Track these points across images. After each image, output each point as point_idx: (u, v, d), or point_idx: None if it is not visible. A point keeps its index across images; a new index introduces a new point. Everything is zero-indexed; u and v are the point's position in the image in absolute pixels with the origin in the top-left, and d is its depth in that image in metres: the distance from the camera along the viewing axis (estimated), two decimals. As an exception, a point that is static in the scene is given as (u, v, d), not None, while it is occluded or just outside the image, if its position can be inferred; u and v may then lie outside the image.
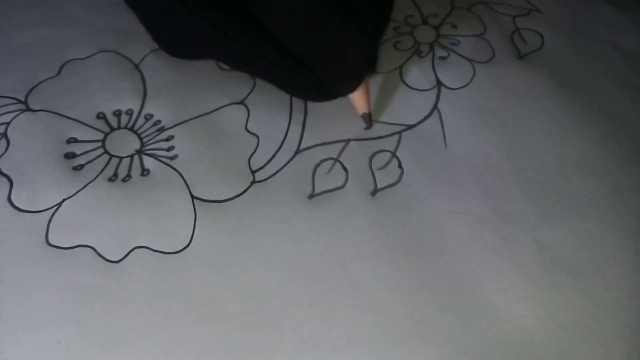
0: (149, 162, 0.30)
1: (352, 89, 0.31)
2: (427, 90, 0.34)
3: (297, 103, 0.33)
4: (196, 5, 0.28)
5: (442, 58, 0.35)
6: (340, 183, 0.30)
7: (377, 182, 0.30)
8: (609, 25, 0.37)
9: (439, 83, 0.34)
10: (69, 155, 0.30)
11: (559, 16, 0.37)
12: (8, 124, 0.31)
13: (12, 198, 0.29)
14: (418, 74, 0.35)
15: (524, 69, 0.35)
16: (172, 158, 0.31)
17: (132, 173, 0.30)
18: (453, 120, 0.33)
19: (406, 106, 0.34)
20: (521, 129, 0.33)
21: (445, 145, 0.32)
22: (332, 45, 0.28)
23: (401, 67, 0.35)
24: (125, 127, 0.32)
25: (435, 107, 0.34)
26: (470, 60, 0.35)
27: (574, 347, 0.26)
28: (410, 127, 0.33)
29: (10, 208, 0.28)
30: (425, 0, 0.39)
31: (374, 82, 0.34)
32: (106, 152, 0.31)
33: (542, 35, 0.36)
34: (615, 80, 0.34)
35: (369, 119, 0.32)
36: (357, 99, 0.31)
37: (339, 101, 0.33)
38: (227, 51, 0.32)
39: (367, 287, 0.27)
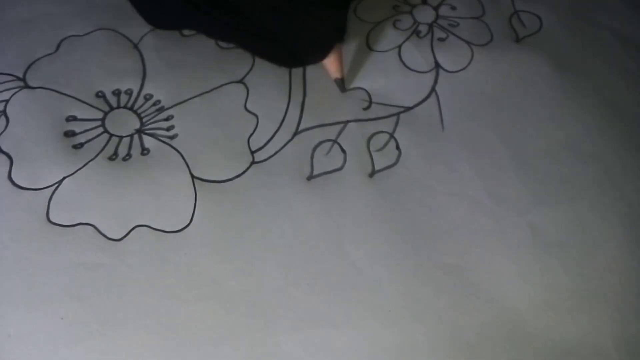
0: (149, 141, 0.31)
1: (321, 58, 0.32)
2: (426, 72, 0.34)
3: (296, 83, 0.33)
4: None
5: (441, 39, 0.36)
6: (338, 165, 0.31)
7: (375, 164, 0.31)
8: (607, 9, 0.37)
9: (437, 65, 0.35)
10: (69, 134, 0.30)
11: (558, -1, 0.38)
12: (7, 101, 0.31)
13: (13, 176, 0.29)
14: (417, 55, 0.35)
15: (522, 53, 0.35)
16: (172, 137, 0.31)
17: (132, 152, 0.30)
18: (450, 103, 0.33)
19: (404, 88, 0.34)
20: (517, 113, 0.33)
21: (443, 127, 0.32)
22: (298, 19, 0.30)
23: (400, 46, 0.35)
24: (124, 107, 0.32)
25: (433, 89, 0.34)
26: (468, 43, 0.35)
27: (563, 326, 0.27)
28: (408, 109, 0.33)
29: (10, 186, 0.29)
30: (424, -20, 0.39)
31: (373, 62, 0.35)
32: (106, 131, 0.31)
33: (541, 17, 0.37)
34: (611, 66, 0.34)
35: (342, 84, 0.33)
36: (329, 64, 0.32)
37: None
38: (201, 22, 0.33)
39: (365, 267, 0.27)
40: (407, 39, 0.35)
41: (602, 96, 0.33)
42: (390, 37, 0.35)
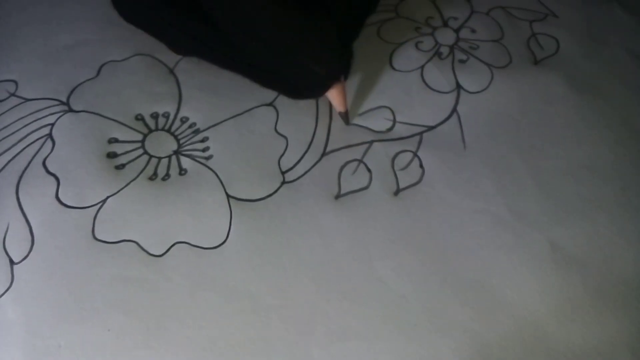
0: (186, 162, 0.32)
1: (320, 94, 0.34)
2: (447, 92, 0.36)
3: (323, 106, 0.35)
4: (174, 18, 0.33)
5: (462, 61, 0.37)
6: (364, 184, 0.32)
7: (400, 182, 0.32)
8: (623, 30, 0.38)
9: (458, 86, 0.36)
10: (111, 155, 0.32)
11: (575, 21, 0.39)
12: (53, 125, 0.33)
13: (60, 196, 0.31)
14: (439, 75, 0.36)
15: (540, 74, 0.36)
16: (208, 158, 0.33)
17: (170, 172, 0.32)
18: (471, 122, 0.35)
19: (427, 108, 0.35)
20: (536, 133, 0.34)
21: (464, 146, 0.34)
22: (294, 59, 0.31)
23: (422, 67, 0.37)
24: (162, 129, 0.34)
25: (454, 109, 0.35)
26: (488, 65, 0.37)
27: (583, 338, 0.28)
28: (431, 128, 0.35)
29: (58, 205, 0.30)
30: (445, 3, 0.40)
31: (396, 82, 0.36)
32: (146, 152, 0.33)
33: (558, 40, 0.38)
34: (627, 85, 0.36)
35: (345, 117, 0.34)
36: (333, 98, 0.34)
37: (363, 99, 0.35)
38: (211, 55, 0.35)
39: (392, 283, 0.29)
40: (430, 60, 0.37)
41: (619, 116, 0.34)
42: (412, 58, 0.37)
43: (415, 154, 0.33)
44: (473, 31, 0.39)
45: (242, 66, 0.34)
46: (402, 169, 0.33)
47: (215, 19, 0.31)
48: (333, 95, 0.33)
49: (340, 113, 0.34)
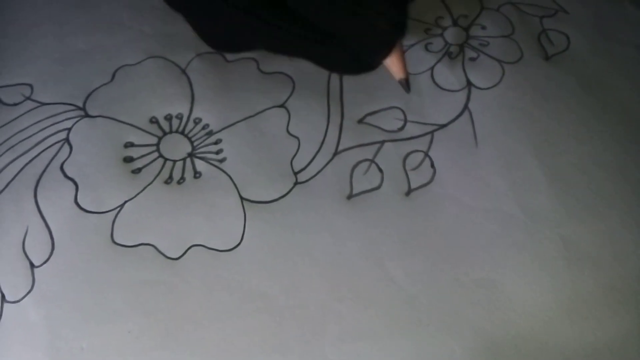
0: (200, 165, 0.33)
1: (385, 55, 0.31)
2: (458, 90, 0.36)
3: (334, 106, 0.35)
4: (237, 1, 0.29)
5: (472, 59, 0.37)
6: (376, 184, 0.33)
7: (411, 183, 0.33)
8: (633, 26, 0.38)
9: (469, 83, 0.36)
10: (128, 159, 0.33)
11: (585, 17, 0.39)
12: (69, 129, 0.34)
13: (79, 200, 0.31)
14: (449, 75, 0.36)
15: (551, 70, 0.36)
16: (221, 161, 0.33)
17: (185, 176, 0.33)
18: (483, 119, 0.35)
19: (438, 106, 0.35)
20: (548, 128, 0.34)
21: (476, 143, 0.34)
22: (357, 14, 0.29)
23: (432, 68, 0.37)
24: (176, 131, 0.34)
25: (466, 106, 0.35)
26: (499, 61, 0.37)
27: (595, 336, 0.28)
28: (442, 126, 0.35)
29: (77, 210, 0.31)
30: (455, 2, 0.40)
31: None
32: (161, 155, 0.33)
33: (568, 36, 0.38)
34: (638, 83, 0.35)
35: (406, 84, 0.32)
36: (392, 65, 0.32)
37: (374, 99, 0.35)
38: (267, 38, 0.32)
39: (403, 282, 0.29)
40: (439, 60, 0.37)
41: (630, 112, 0.34)
42: (422, 60, 0.37)
43: (426, 154, 0.34)
44: (483, 28, 0.39)
45: (301, 42, 0.31)
46: (414, 169, 0.33)
47: None
48: (393, 60, 0.31)
49: (400, 80, 0.32)
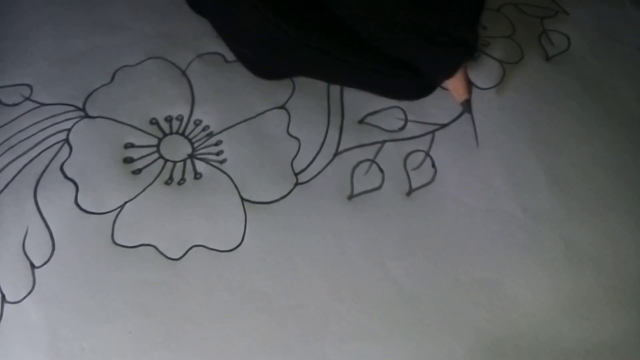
0: (200, 166, 0.33)
1: (451, 74, 0.31)
2: (459, 90, 0.36)
3: (334, 106, 0.35)
4: (301, 34, 0.28)
5: (474, 59, 0.37)
6: (377, 184, 0.33)
7: (412, 183, 0.33)
8: (633, 26, 0.38)
9: (470, 83, 0.36)
10: (128, 160, 0.33)
11: (585, 17, 0.39)
12: (69, 130, 0.34)
13: (79, 201, 0.31)
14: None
15: (552, 71, 0.36)
16: (222, 162, 0.33)
17: (186, 177, 0.32)
18: (484, 119, 0.35)
19: (439, 106, 0.35)
20: (549, 129, 0.34)
21: (477, 143, 0.34)
22: (430, 38, 0.28)
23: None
24: (176, 133, 0.34)
25: (467, 108, 0.35)
26: (500, 62, 0.37)
27: (597, 336, 0.28)
28: (443, 126, 0.35)
29: (77, 210, 0.31)
30: (455, 2, 0.40)
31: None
32: (161, 156, 0.33)
33: (569, 36, 0.38)
34: (638, 83, 0.35)
35: (468, 105, 0.33)
36: (457, 86, 0.32)
37: (374, 99, 0.35)
38: (326, 68, 0.31)
39: (404, 283, 0.29)
40: (440, 60, 0.37)
41: (631, 112, 0.34)
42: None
43: (427, 154, 0.34)
44: (484, 28, 0.39)
45: (367, 73, 0.30)
46: (415, 169, 0.33)
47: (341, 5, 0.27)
48: (458, 81, 0.31)
49: (462, 102, 0.32)
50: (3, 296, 0.29)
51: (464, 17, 0.29)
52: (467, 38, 0.30)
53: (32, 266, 0.30)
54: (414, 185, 0.33)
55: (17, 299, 0.29)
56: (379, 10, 0.27)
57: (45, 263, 0.30)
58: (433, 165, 0.33)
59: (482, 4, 0.30)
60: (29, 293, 0.29)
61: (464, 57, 0.30)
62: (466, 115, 0.35)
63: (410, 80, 0.31)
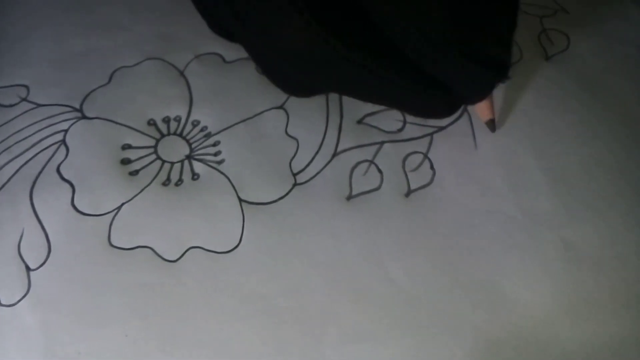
0: (198, 166, 0.33)
1: (484, 97, 0.31)
2: (457, 91, 0.36)
3: (333, 106, 0.35)
4: (349, 50, 0.26)
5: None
6: (375, 185, 0.32)
7: (411, 184, 0.32)
8: (634, 25, 0.38)
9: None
10: (125, 161, 0.33)
11: (585, 16, 0.39)
12: (66, 131, 0.34)
13: (75, 203, 0.31)
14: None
15: (551, 71, 0.36)
16: (220, 162, 0.33)
17: (183, 177, 0.32)
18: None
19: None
20: (548, 129, 0.34)
21: (475, 145, 0.34)
22: (472, 55, 0.27)
23: (431, 68, 0.37)
24: (174, 134, 0.34)
25: (465, 108, 0.35)
26: (499, 62, 0.36)
27: (597, 338, 0.28)
28: (442, 128, 0.35)
29: (74, 212, 0.31)
30: (454, 2, 0.40)
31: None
32: (158, 157, 0.33)
33: (568, 36, 0.38)
34: (638, 82, 0.35)
35: (492, 125, 0.33)
36: (482, 106, 0.32)
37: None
38: (364, 85, 0.29)
39: (404, 284, 0.29)
40: (439, 60, 0.37)
41: (631, 112, 0.34)
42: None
43: (425, 156, 0.33)
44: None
45: (395, 91, 0.29)
46: (413, 170, 0.33)
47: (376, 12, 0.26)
48: (484, 102, 0.31)
49: (487, 121, 0.32)
50: (-2, 299, 0.29)
51: (502, 37, 0.29)
52: (503, 58, 0.29)
53: (28, 269, 0.29)
54: (413, 187, 0.32)
55: (12, 302, 0.29)
56: (426, 27, 0.26)
57: (41, 265, 0.29)
58: (432, 167, 0.33)
59: (515, 24, 0.30)
60: (24, 296, 0.29)
61: (499, 78, 0.30)
62: (464, 118, 0.35)
63: (441, 99, 0.30)
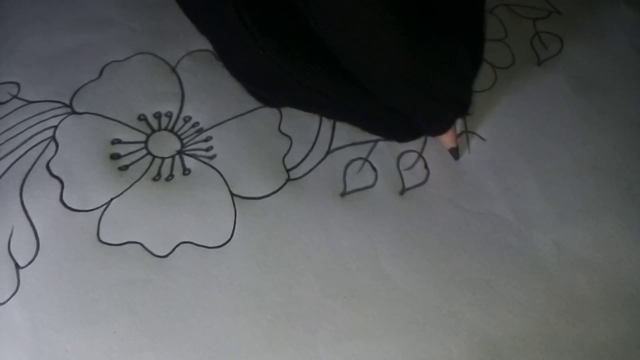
0: (189, 162, 0.32)
1: (444, 131, 0.31)
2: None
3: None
4: (303, 77, 0.26)
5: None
6: (370, 182, 0.32)
7: (405, 182, 0.32)
8: (629, 27, 0.38)
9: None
10: (114, 156, 0.32)
11: (579, 18, 0.39)
12: (56, 127, 0.33)
13: (64, 198, 0.31)
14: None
15: (543, 75, 0.36)
16: (211, 158, 0.32)
17: (174, 172, 0.32)
18: (475, 123, 0.35)
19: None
20: (540, 133, 0.34)
21: (469, 149, 0.34)
22: (433, 99, 0.28)
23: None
24: (165, 129, 0.34)
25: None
26: (492, 66, 0.37)
27: (591, 338, 0.28)
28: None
29: (63, 208, 0.30)
30: (448, 4, 0.40)
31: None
32: (149, 152, 0.33)
33: (562, 38, 0.38)
34: (633, 83, 0.36)
35: (456, 153, 0.33)
36: (445, 136, 0.32)
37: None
38: (323, 107, 0.30)
39: (399, 281, 0.29)
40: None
41: (625, 114, 0.34)
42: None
43: (420, 155, 0.33)
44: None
45: (361, 115, 0.29)
46: (408, 169, 0.33)
47: (343, 58, 0.26)
48: (447, 132, 0.31)
49: (450, 149, 0.33)
50: (-13, 297, 0.28)
51: (463, 75, 0.29)
52: (464, 97, 0.30)
53: (17, 266, 0.29)
54: (407, 185, 0.32)
55: (2, 301, 0.28)
56: (381, 61, 0.25)
57: (30, 263, 0.29)
58: (426, 167, 0.33)
59: (480, 62, 0.31)
60: (14, 294, 0.28)
61: (458, 114, 0.30)
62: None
63: (401, 126, 0.31)
